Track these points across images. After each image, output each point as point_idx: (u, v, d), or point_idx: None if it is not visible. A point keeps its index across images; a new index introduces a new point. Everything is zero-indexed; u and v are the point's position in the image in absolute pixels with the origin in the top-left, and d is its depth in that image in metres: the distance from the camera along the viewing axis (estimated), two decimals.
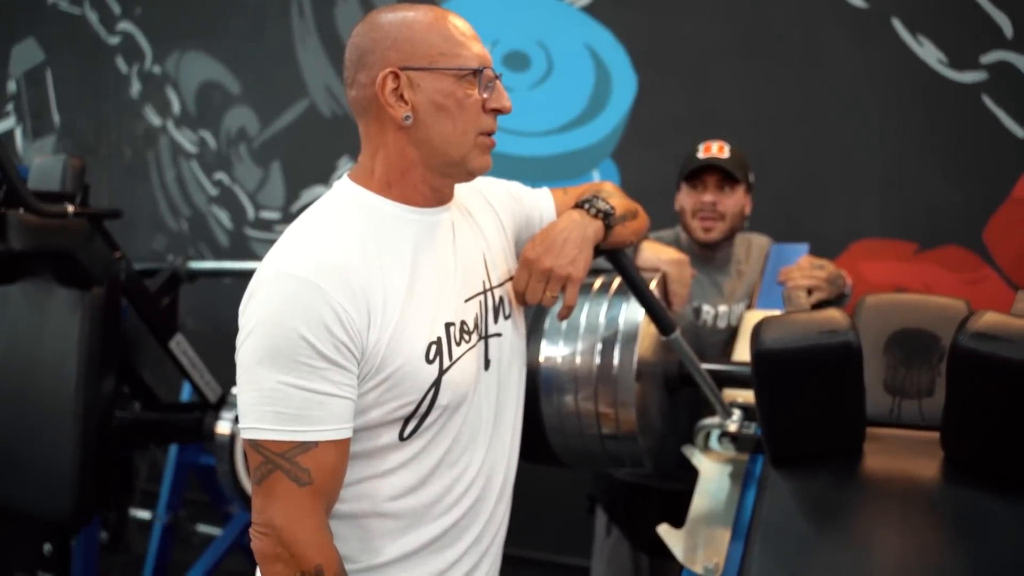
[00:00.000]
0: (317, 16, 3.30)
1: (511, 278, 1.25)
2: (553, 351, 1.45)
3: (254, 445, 0.99)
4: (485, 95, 1.08)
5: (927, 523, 1.20)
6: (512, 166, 2.97)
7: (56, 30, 3.94)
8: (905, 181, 2.51)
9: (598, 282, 1.52)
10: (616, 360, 1.43)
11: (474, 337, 1.14)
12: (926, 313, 1.51)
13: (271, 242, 1.12)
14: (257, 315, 0.99)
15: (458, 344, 1.10)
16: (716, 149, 2.00)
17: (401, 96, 1.06)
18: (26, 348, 2.22)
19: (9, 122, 4.18)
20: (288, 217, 3.45)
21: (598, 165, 2.93)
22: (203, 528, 3.20)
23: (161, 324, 2.54)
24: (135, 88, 3.75)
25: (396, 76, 1.05)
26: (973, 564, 1.13)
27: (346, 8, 3.24)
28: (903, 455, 1.33)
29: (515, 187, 1.34)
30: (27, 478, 2.18)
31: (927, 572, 1.13)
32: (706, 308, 2.04)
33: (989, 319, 1.16)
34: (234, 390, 2.60)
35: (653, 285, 1.46)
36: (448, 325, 1.09)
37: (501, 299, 1.21)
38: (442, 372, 1.07)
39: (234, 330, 1.02)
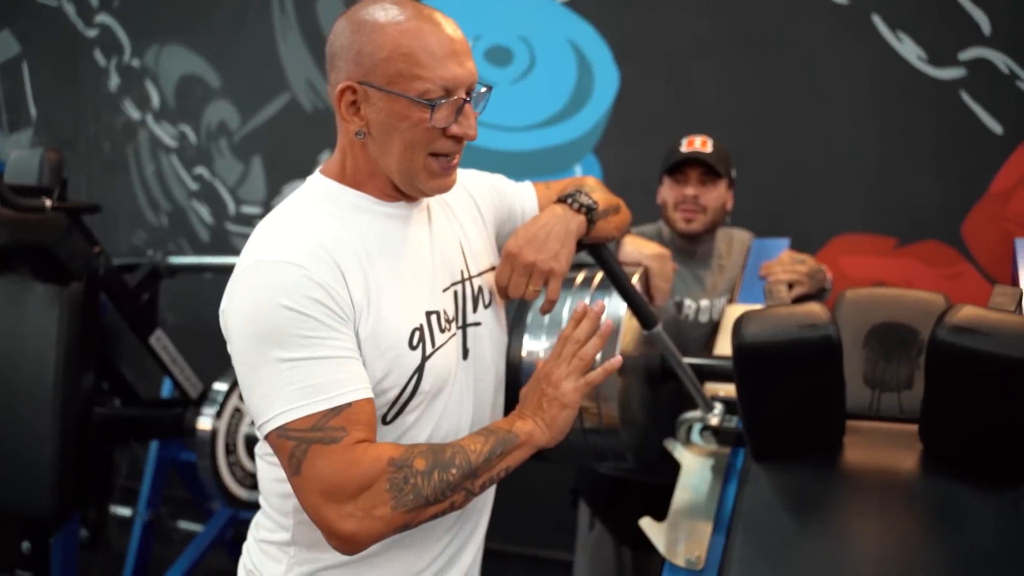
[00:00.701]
0: (298, 10, 3.28)
1: (491, 268, 1.25)
2: (535, 345, 1.44)
3: (282, 433, 0.97)
4: (443, 124, 1.03)
5: (906, 515, 1.21)
6: (494, 161, 2.97)
7: (32, 22, 3.88)
8: (885, 177, 2.53)
9: (580, 276, 1.52)
10: (598, 354, 1.43)
11: (454, 326, 1.14)
12: (905, 307, 1.52)
13: None
14: (243, 306, 0.99)
15: (441, 331, 1.11)
16: (699, 143, 2.01)
17: (358, 110, 1.04)
18: (3, 344, 2.19)
19: None
20: (269, 212, 3.41)
21: (580, 160, 2.93)
22: (184, 525, 3.18)
23: (141, 319, 2.52)
24: (114, 81, 3.70)
25: (354, 90, 1.03)
26: (951, 555, 1.14)
27: (327, 2, 3.22)
28: (882, 448, 1.34)
29: (498, 180, 1.34)
30: (5, 475, 2.16)
31: (906, 563, 1.14)
32: (688, 302, 2.04)
33: (967, 313, 1.18)
34: (216, 385, 2.62)
35: (635, 279, 1.46)
36: (429, 313, 1.10)
37: (480, 288, 1.21)
38: (425, 358, 1.07)
39: (215, 325, 1.01)
